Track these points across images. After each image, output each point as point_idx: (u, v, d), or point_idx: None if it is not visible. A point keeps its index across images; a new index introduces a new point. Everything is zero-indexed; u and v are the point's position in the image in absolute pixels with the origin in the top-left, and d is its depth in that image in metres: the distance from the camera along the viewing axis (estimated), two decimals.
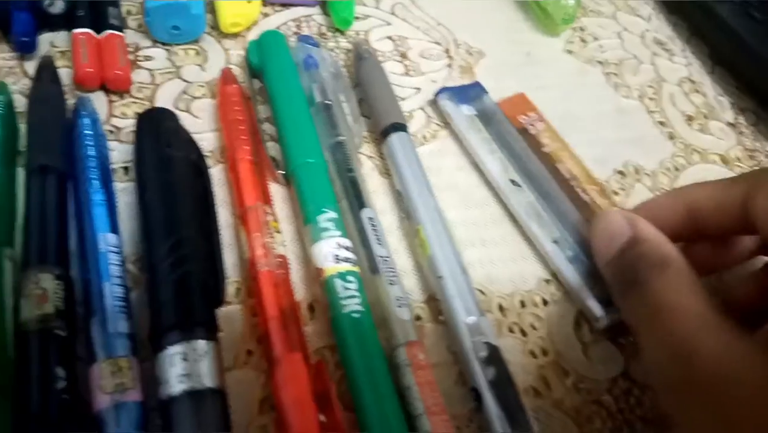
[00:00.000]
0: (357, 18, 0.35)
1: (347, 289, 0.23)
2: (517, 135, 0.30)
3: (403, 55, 0.34)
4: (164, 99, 0.29)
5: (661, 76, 0.37)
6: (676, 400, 0.19)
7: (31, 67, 0.28)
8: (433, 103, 0.32)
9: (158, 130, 0.25)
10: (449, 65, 0.34)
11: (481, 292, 0.26)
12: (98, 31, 0.29)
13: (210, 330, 0.21)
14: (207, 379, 0.19)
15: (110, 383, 0.19)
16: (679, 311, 0.19)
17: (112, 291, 0.21)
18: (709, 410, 0.17)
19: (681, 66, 0.39)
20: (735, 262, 0.25)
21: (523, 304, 0.26)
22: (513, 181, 0.28)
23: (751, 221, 0.21)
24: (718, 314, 0.18)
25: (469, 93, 0.32)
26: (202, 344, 0.20)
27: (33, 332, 0.20)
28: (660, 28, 0.41)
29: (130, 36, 0.31)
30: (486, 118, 0.31)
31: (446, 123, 0.31)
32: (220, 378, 0.20)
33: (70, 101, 0.27)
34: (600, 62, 0.37)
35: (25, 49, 0.29)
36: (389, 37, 0.35)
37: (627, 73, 0.37)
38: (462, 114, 0.31)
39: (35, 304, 0.20)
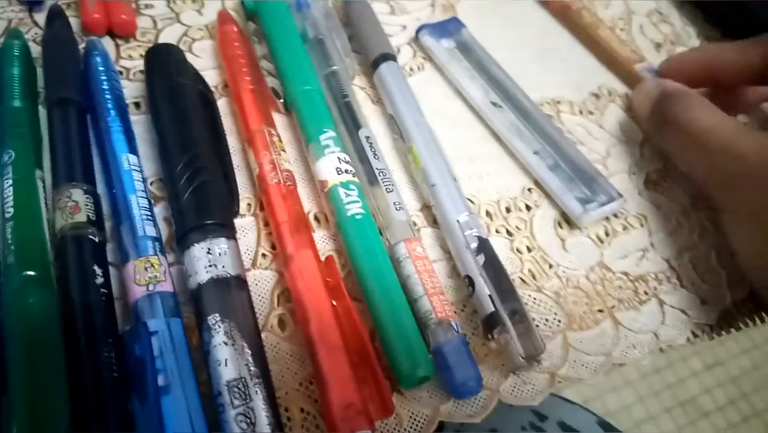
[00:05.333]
0: None
1: (349, 195, 0.25)
2: (495, 61, 0.32)
3: None
4: (167, 42, 0.30)
5: (630, 9, 0.40)
6: (732, 193, 0.25)
7: (41, 18, 0.30)
8: (416, 40, 0.34)
9: (167, 62, 0.27)
10: (432, 4, 0.36)
11: (470, 201, 0.28)
12: None
13: (229, 231, 0.23)
14: (230, 268, 0.22)
15: (144, 277, 0.21)
16: (718, 128, 0.25)
17: (138, 202, 0.23)
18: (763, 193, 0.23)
19: (650, 0, 0.41)
20: (747, 107, 0.33)
21: (508, 209, 0.28)
22: (494, 103, 0.31)
23: None
24: (742, 125, 0.26)
25: (448, 28, 0.34)
26: (223, 241, 0.22)
27: (69, 237, 0.22)
28: None
29: None
30: (465, 49, 0.33)
31: (431, 57, 0.34)
32: (242, 270, 0.22)
33: (81, 46, 0.29)
34: None
35: (34, 3, 0.30)
36: None
37: (599, 8, 0.39)
38: (442, 47, 0.33)
39: (69, 214, 0.22)
